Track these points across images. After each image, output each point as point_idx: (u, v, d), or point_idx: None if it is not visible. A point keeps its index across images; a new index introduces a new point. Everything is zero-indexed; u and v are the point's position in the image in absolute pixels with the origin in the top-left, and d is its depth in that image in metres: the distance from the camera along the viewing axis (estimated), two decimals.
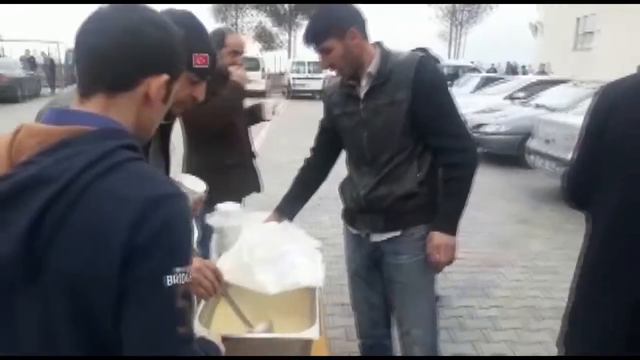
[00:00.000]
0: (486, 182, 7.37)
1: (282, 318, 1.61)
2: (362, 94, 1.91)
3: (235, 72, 2.70)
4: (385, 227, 1.98)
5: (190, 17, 1.32)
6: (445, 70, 18.49)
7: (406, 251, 1.98)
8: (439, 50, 35.90)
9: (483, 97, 11.14)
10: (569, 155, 1.92)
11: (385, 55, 1.90)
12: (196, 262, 1.29)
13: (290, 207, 2.11)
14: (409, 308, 2.06)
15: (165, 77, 0.90)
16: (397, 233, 1.97)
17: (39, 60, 21.73)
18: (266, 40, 34.75)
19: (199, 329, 1.30)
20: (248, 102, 3.09)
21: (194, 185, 1.68)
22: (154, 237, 0.77)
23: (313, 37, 1.85)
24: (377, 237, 2.02)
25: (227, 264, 1.66)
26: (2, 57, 18.73)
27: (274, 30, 36.23)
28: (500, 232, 5.27)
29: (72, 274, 0.78)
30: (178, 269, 0.79)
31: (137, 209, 0.77)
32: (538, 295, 3.79)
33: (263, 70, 22.64)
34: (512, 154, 8.13)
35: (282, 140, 10.02)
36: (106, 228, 0.77)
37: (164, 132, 1.49)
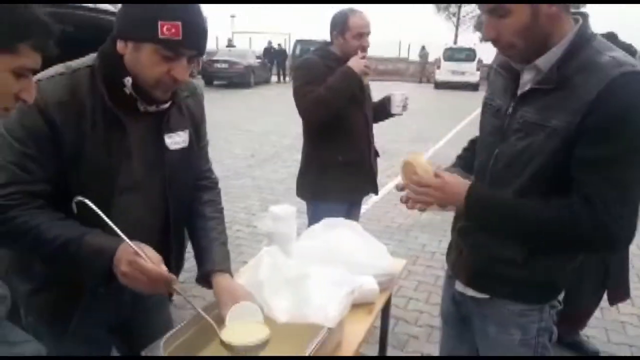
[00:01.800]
0: None
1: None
2: (519, 91, 1.33)
3: (354, 60, 2.47)
4: (468, 281, 1.50)
5: None
6: None
7: (495, 321, 1.47)
8: None
9: None
10: None
11: (581, 44, 1.22)
12: (123, 265, 1.12)
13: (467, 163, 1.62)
14: None
15: None
16: (485, 296, 1.47)
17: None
18: None
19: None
20: (379, 95, 2.85)
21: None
22: None
23: None
24: (461, 288, 1.54)
25: (244, 276, 1.50)
26: (234, 47, 21.23)
27: None
28: None
29: None
30: None
31: None
32: None
33: (480, 62, 21.55)
34: None
35: None
36: None
37: (157, 119, 1.32)
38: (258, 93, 17.22)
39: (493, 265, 1.40)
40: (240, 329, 1.22)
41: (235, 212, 4.96)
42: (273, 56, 22.45)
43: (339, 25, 2.52)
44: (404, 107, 2.80)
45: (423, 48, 25.10)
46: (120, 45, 1.19)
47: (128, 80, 1.20)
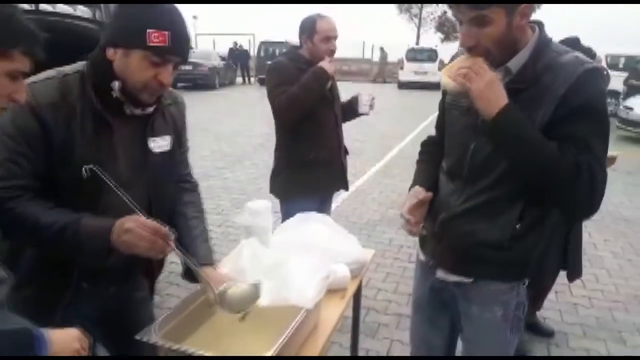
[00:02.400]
0: None
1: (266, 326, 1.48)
2: None
3: (325, 62, 2.60)
4: (454, 269, 1.60)
5: None
6: None
7: (478, 301, 1.59)
8: None
9: None
10: None
11: (542, 46, 1.38)
12: (130, 222, 1.24)
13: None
14: None
15: None
16: (468, 280, 1.58)
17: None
18: (447, 31, 33.53)
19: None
20: (345, 96, 2.99)
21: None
22: None
23: None
24: (443, 275, 1.65)
25: (226, 266, 1.60)
26: (196, 50, 21.06)
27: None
28: None
29: None
30: None
31: None
32: None
33: (441, 62, 22.09)
34: None
35: None
36: None
37: (146, 123, 1.43)
38: (223, 94, 17.17)
39: (478, 250, 1.52)
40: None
41: (206, 213, 5.01)
42: (236, 57, 22.38)
43: (308, 30, 2.64)
44: (371, 107, 2.94)
45: (382, 49, 25.45)
46: (109, 52, 1.29)
47: (115, 84, 1.30)
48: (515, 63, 1.39)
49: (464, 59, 1.41)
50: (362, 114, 2.96)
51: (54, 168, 1.30)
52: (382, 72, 25.26)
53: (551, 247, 2.63)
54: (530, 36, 1.40)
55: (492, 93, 1.34)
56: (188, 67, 17.93)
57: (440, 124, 1.73)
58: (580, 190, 1.33)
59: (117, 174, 1.35)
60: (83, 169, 1.27)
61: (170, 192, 1.58)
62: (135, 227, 1.23)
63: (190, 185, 1.71)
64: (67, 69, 1.35)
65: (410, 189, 1.68)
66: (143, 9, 1.26)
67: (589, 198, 1.35)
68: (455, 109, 1.58)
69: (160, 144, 1.48)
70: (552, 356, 2.92)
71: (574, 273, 2.90)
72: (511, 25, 1.32)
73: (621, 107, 10.64)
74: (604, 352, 2.96)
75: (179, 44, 1.28)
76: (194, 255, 1.49)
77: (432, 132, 1.85)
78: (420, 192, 1.60)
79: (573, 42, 2.72)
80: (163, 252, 1.28)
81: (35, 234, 1.24)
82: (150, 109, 1.40)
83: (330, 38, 2.64)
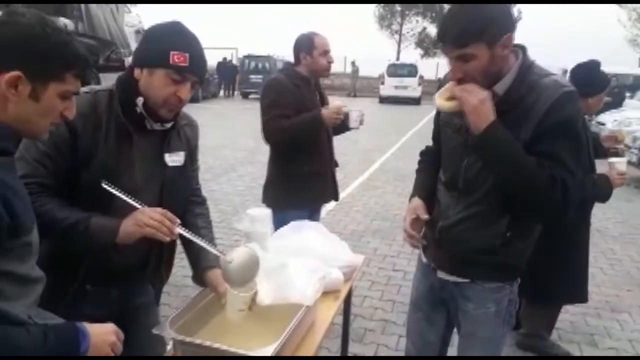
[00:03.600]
0: None
1: (267, 323, 1.61)
2: None
3: (329, 112, 2.74)
4: (452, 271, 1.78)
5: (175, 23, 1.48)
6: (629, 80, 16.30)
7: (474, 299, 1.76)
8: (629, 58, 31.52)
9: None
10: None
11: (525, 71, 1.54)
12: (138, 213, 1.39)
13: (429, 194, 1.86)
14: None
15: (16, 73, 1.00)
16: (465, 280, 1.76)
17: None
18: (427, 46, 34.24)
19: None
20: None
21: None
22: None
23: (455, 39, 1.47)
24: (443, 275, 1.82)
25: None
26: None
27: None
28: None
29: None
30: None
31: None
32: None
33: (421, 77, 22.55)
34: None
35: None
36: None
37: (163, 138, 1.59)
38: (206, 107, 17.21)
39: (474, 255, 1.69)
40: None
41: None
42: (225, 71, 22.54)
43: (306, 46, 2.81)
44: (361, 122, 3.06)
45: (353, 63, 25.75)
46: (136, 72, 1.46)
47: (140, 100, 1.46)
48: (500, 87, 1.55)
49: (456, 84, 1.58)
50: (352, 129, 3.09)
51: (75, 171, 1.43)
52: (354, 85, 25.58)
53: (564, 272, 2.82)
54: (513, 61, 1.55)
55: (483, 109, 1.49)
56: None
57: (436, 136, 1.90)
58: (555, 199, 1.48)
59: (132, 181, 1.50)
60: (102, 182, 1.40)
61: (180, 203, 1.71)
62: (143, 211, 1.38)
63: (200, 199, 1.86)
64: (99, 87, 1.52)
65: (410, 199, 1.86)
66: (167, 34, 1.43)
67: (563, 206, 1.50)
68: (449, 127, 1.75)
69: (174, 158, 1.63)
70: (563, 356, 3.08)
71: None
72: (494, 57, 1.48)
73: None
74: (578, 355, 3.14)
75: (197, 65, 1.45)
76: (204, 259, 1.64)
77: (414, 145, 2.05)
78: (420, 209, 1.77)
79: (596, 65, 2.82)
80: (171, 233, 1.40)
81: (49, 227, 1.36)
82: (168, 125, 1.56)
83: (327, 52, 2.84)
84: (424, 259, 1.93)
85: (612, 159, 2.82)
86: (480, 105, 1.50)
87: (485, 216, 1.65)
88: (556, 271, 2.79)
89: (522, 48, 1.59)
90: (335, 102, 2.86)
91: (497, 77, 1.54)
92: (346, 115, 3.00)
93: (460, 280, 1.77)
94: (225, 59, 23.49)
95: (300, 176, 2.84)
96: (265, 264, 1.69)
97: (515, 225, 1.63)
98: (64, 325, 1.13)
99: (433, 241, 1.81)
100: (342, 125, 3.05)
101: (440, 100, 1.64)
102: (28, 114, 1.06)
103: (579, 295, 2.98)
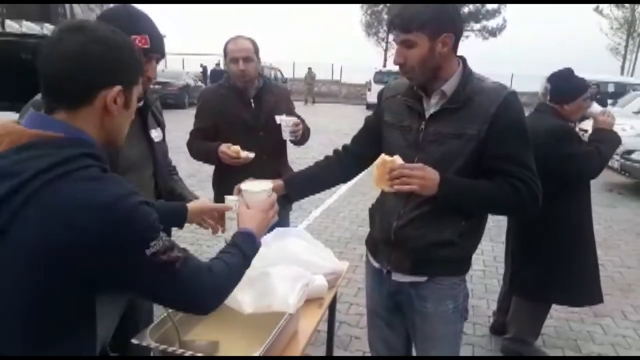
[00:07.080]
0: (625, 216, 6.45)
1: (249, 332, 1.60)
2: (428, 113, 1.70)
3: (224, 149, 2.59)
4: (411, 270, 1.78)
5: (123, 7, 1.62)
6: (610, 88, 16.58)
7: (432, 298, 1.78)
8: (610, 66, 32.07)
9: None
10: None
11: (467, 76, 1.68)
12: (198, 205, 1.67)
13: (298, 187, 1.94)
14: None
15: (117, 87, 1.02)
16: (423, 279, 1.78)
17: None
18: None
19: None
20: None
21: (254, 186, 1.63)
22: (114, 235, 0.91)
23: (402, 24, 1.60)
24: (399, 277, 1.83)
25: None
26: (166, 69, 20.93)
27: None
28: (623, 276, 4.54)
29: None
30: (151, 244, 0.97)
31: (91, 215, 0.89)
32: None
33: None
34: None
35: None
36: (59, 226, 0.88)
37: (141, 117, 1.80)
38: (193, 114, 17.09)
39: (433, 249, 1.71)
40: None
41: (179, 231, 5.04)
42: (216, 77, 22.50)
43: (224, 53, 2.66)
44: (293, 133, 2.65)
45: (310, 69, 25.56)
46: None
47: None
48: (448, 87, 1.67)
49: (380, 162, 1.65)
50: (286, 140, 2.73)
51: None
52: (310, 92, 25.29)
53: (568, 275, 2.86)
54: (456, 67, 1.70)
55: (430, 176, 1.61)
56: (158, 87, 17.89)
57: (364, 139, 2.02)
58: (521, 203, 1.65)
59: (127, 157, 1.67)
60: None
61: (166, 173, 2.02)
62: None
63: (173, 169, 2.20)
64: None
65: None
66: (126, 22, 1.52)
67: (531, 202, 1.66)
68: (396, 129, 1.79)
69: (155, 134, 1.87)
70: (561, 356, 3.10)
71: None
72: (433, 51, 1.60)
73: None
74: None
75: (157, 42, 1.63)
76: (185, 197, 2.01)
77: None
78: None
79: (568, 73, 2.87)
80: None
81: None
82: (140, 103, 1.76)
83: (236, 59, 2.56)
84: (376, 264, 1.93)
85: (588, 110, 2.90)
86: (427, 177, 1.61)
87: (440, 212, 1.69)
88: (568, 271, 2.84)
89: (463, 59, 1.73)
90: (227, 151, 2.58)
91: (435, 73, 1.66)
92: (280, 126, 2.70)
93: (417, 279, 1.78)
94: (217, 65, 23.49)
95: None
96: (248, 272, 1.68)
97: (470, 216, 1.73)
98: (242, 236, 1.40)
99: (387, 244, 1.81)
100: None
101: (383, 185, 1.67)
102: (121, 122, 1.10)
103: (595, 296, 3.00)
